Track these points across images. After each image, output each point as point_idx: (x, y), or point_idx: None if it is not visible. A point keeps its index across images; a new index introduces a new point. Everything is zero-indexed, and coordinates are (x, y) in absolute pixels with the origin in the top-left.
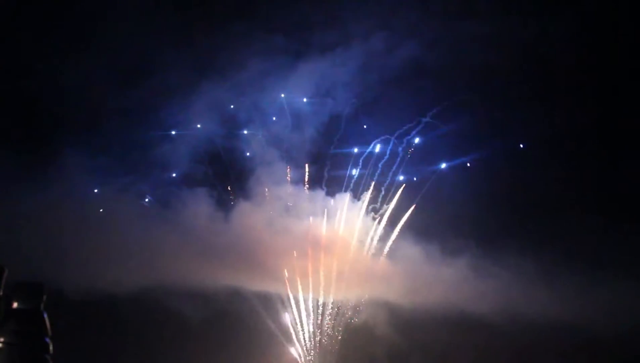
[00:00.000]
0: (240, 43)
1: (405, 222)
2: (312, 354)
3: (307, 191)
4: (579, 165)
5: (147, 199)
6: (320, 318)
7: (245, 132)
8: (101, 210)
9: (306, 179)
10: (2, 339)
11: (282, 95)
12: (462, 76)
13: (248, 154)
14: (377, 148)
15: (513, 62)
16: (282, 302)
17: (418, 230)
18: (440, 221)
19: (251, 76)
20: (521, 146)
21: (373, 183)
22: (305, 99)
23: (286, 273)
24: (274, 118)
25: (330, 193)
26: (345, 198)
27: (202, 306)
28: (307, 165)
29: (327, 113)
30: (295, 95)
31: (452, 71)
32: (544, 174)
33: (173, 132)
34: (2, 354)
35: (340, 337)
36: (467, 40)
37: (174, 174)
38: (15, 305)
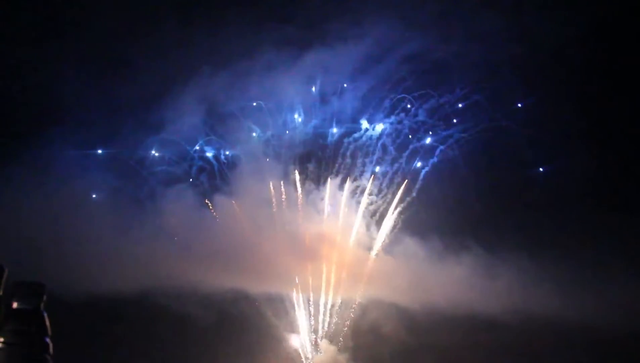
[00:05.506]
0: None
1: (406, 220)
2: (314, 355)
3: (304, 186)
4: (588, 164)
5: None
6: (326, 317)
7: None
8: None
9: (297, 177)
10: (2, 339)
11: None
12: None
13: (244, 152)
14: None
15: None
16: (285, 303)
17: (419, 228)
18: (443, 219)
19: (242, 70)
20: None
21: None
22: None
23: (296, 278)
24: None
25: (326, 188)
26: (343, 193)
27: (204, 307)
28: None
29: (326, 107)
30: (290, 90)
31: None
32: (554, 174)
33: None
34: (2, 354)
35: (344, 337)
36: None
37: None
38: (15, 305)
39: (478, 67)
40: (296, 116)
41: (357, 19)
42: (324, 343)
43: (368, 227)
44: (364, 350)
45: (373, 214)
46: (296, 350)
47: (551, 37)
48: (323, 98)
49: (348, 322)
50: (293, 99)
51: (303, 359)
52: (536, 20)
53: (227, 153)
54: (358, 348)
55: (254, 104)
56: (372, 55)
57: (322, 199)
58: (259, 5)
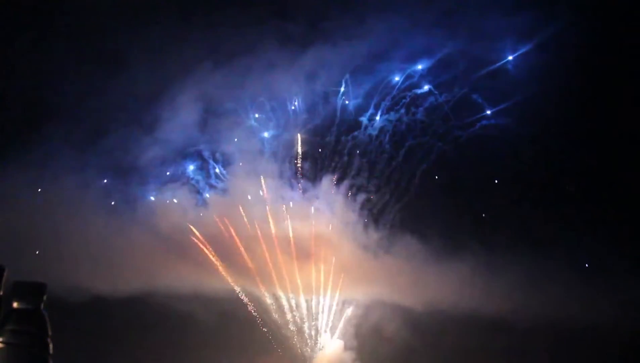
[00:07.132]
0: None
1: (405, 219)
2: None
3: (302, 184)
4: (589, 163)
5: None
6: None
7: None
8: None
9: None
10: (2, 339)
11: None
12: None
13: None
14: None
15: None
16: (285, 302)
17: (418, 227)
18: (443, 218)
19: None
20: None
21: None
22: (293, 103)
23: (296, 277)
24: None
25: (324, 186)
26: (341, 191)
27: (204, 308)
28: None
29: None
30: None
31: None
32: (555, 173)
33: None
34: (2, 354)
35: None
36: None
37: (167, 173)
38: (15, 305)
39: (479, 65)
40: (296, 113)
41: (359, 17)
42: (325, 339)
43: (366, 226)
44: (367, 349)
45: (371, 212)
46: (297, 350)
47: (554, 36)
48: (323, 96)
49: (347, 321)
50: (293, 96)
51: (304, 358)
52: (539, 19)
53: (225, 151)
54: (361, 347)
55: (254, 101)
56: (373, 53)
57: (318, 198)
58: (260, 2)
